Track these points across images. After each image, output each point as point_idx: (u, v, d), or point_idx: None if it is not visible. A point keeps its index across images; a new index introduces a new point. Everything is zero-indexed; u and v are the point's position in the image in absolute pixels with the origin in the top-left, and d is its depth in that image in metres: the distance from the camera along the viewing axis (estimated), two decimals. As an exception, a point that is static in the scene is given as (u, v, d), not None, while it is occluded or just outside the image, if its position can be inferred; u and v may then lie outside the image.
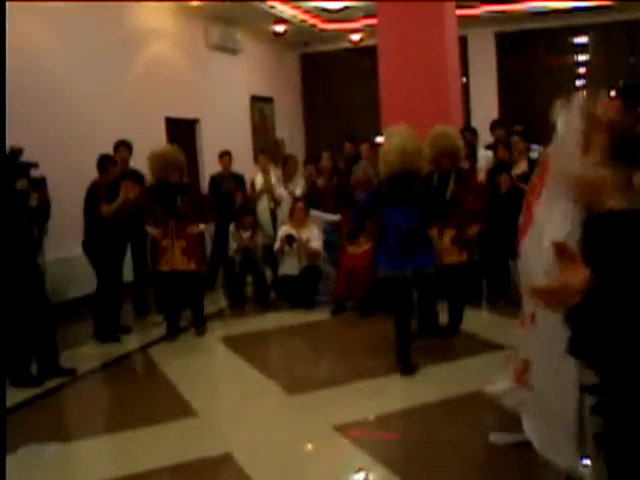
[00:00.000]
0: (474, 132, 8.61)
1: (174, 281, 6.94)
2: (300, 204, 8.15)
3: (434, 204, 5.83)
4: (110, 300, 6.97)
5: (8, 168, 6.11)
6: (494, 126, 8.84)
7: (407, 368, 5.51)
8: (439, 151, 6.21)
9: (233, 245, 8.23)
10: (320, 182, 8.81)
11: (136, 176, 7.66)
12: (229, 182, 9.17)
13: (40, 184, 6.83)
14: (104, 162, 7.06)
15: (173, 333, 7.02)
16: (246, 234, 8.22)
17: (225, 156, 9.41)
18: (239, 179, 9.36)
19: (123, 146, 7.74)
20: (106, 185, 6.96)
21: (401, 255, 5.53)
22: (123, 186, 6.88)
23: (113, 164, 7.09)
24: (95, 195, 6.93)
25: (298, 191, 8.77)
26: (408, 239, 5.52)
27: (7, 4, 7.75)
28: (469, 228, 6.24)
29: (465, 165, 6.81)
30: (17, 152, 6.62)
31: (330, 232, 8.21)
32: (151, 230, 6.97)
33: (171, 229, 6.89)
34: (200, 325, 7.17)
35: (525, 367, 3.62)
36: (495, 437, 4.18)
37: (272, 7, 11.37)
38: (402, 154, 5.49)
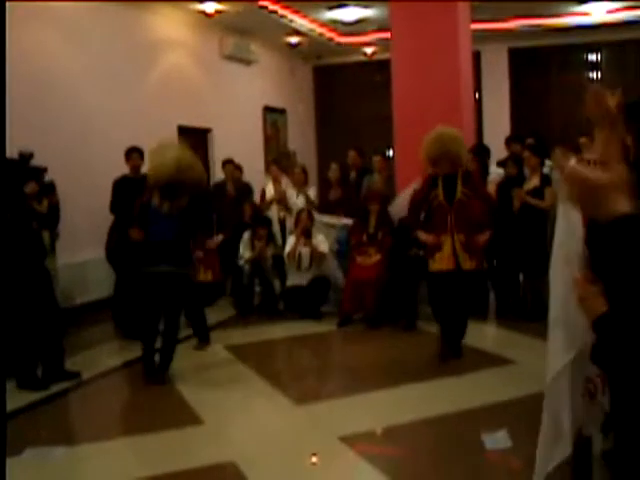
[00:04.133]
0: (487, 150, 8.47)
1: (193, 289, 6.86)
2: (304, 214, 8.14)
3: (199, 219, 6.04)
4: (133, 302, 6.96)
5: (18, 172, 6.15)
6: (508, 142, 8.82)
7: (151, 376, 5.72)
8: (437, 155, 5.96)
9: (245, 254, 8.23)
10: (331, 194, 8.85)
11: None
12: (232, 190, 9.21)
13: (50, 189, 6.87)
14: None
15: (205, 340, 7.00)
16: (259, 244, 8.23)
17: (228, 164, 9.49)
18: (247, 188, 9.41)
19: (135, 152, 7.73)
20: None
21: (159, 256, 5.74)
22: None
23: None
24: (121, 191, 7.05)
25: (312, 195, 8.82)
26: (166, 244, 5.73)
27: (22, 14, 7.83)
28: (478, 236, 6.00)
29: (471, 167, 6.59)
30: (27, 156, 6.66)
31: (343, 242, 8.20)
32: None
33: None
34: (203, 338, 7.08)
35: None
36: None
37: (291, 21, 11.43)
38: (179, 165, 5.56)
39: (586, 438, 3.41)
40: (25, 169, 6.43)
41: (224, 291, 8.92)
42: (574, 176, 1.44)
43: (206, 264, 6.88)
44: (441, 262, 6.01)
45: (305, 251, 7.98)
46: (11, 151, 6.41)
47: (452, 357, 6.15)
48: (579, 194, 1.46)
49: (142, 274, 5.93)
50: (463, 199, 5.99)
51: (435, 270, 6.08)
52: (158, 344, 5.98)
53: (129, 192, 7.16)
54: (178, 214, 5.79)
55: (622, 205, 1.38)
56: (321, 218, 8.33)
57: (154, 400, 5.54)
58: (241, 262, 8.28)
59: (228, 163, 9.52)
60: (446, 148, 5.94)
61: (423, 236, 6.11)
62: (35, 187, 6.19)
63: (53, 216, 6.78)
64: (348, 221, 8.13)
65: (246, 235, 8.33)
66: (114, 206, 7.43)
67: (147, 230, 5.83)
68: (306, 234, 8.00)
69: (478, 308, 7.68)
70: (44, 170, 6.76)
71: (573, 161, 1.46)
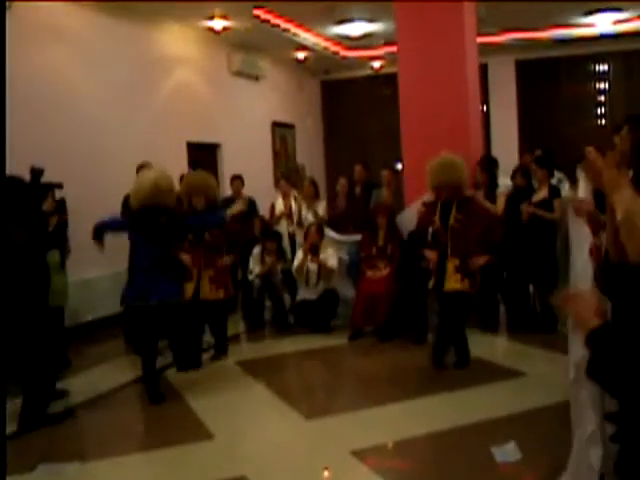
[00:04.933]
0: (495, 162, 8.49)
1: (200, 309, 6.84)
2: (313, 228, 8.16)
3: (181, 231, 6.13)
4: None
5: (31, 189, 6.09)
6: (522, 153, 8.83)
7: (153, 398, 5.77)
8: (437, 184, 6.28)
9: (255, 269, 8.25)
10: (338, 207, 8.89)
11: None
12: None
13: (61, 207, 6.85)
14: None
15: (196, 364, 6.87)
16: (269, 259, 8.24)
17: (236, 180, 9.50)
18: (251, 203, 9.43)
19: (145, 168, 7.75)
20: None
21: (144, 286, 5.76)
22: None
23: None
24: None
25: (321, 211, 8.83)
26: (149, 272, 5.77)
27: (33, 31, 7.92)
28: (473, 259, 6.16)
29: (469, 193, 6.76)
30: (38, 172, 6.58)
31: (354, 254, 8.19)
32: (184, 257, 6.76)
33: (199, 257, 6.81)
34: (220, 351, 7.13)
35: None
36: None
37: (295, 35, 11.49)
38: (154, 188, 5.76)
39: None
40: (39, 186, 6.37)
41: (235, 306, 8.91)
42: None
43: (217, 283, 6.86)
44: (435, 282, 6.38)
45: (313, 267, 7.98)
46: (20, 169, 6.45)
47: (456, 367, 6.30)
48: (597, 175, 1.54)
49: (131, 308, 6.03)
50: (456, 226, 6.22)
51: (432, 289, 6.48)
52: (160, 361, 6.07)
53: None
54: (159, 240, 5.84)
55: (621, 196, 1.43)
56: (331, 235, 8.32)
57: (165, 415, 5.55)
58: (251, 277, 8.30)
59: (236, 179, 9.54)
60: (448, 177, 6.23)
61: (428, 254, 6.43)
62: (52, 204, 6.16)
63: (60, 235, 6.73)
64: (357, 237, 8.14)
65: (256, 250, 8.34)
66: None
67: (131, 257, 5.97)
68: (313, 250, 8.00)
69: (489, 320, 7.68)
70: (58, 186, 6.71)
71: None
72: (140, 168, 7.75)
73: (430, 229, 6.45)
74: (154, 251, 5.81)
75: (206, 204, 6.82)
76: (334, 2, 9.89)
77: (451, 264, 6.16)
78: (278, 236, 8.64)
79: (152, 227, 5.84)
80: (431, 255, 6.33)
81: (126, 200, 7.58)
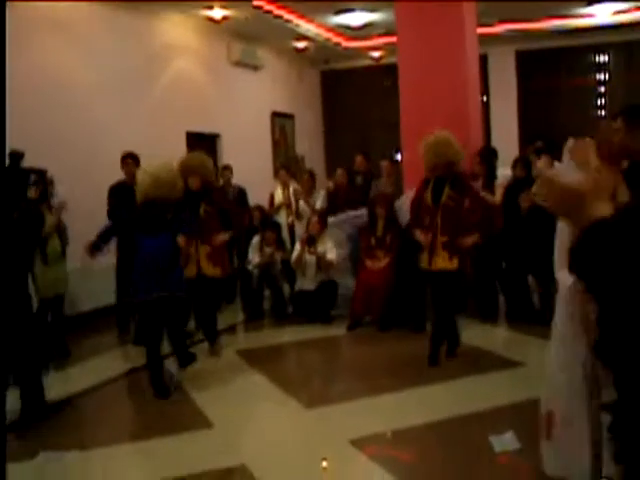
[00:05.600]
0: (494, 153, 8.50)
1: (202, 286, 6.74)
2: (316, 218, 8.16)
3: (184, 229, 5.98)
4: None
5: (11, 173, 5.86)
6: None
7: (161, 392, 5.69)
8: (433, 166, 6.20)
9: (254, 259, 8.24)
10: (332, 192, 8.91)
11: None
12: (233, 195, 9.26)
13: (43, 196, 6.69)
14: None
15: (214, 340, 6.94)
16: (269, 249, 8.25)
17: (226, 170, 9.54)
18: (241, 193, 9.46)
19: (129, 158, 7.57)
20: None
21: (150, 281, 5.70)
22: None
23: None
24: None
25: (318, 204, 8.81)
26: (156, 266, 5.69)
27: (33, 22, 7.90)
28: (462, 237, 6.11)
29: (460, 169, 6.63)
30: (18, 156, 6.31)
31: (356, 241, 8.19)
32: (178, 239, 6.65)
33: (195, 235, 6.66)
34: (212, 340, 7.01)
35: (550, 420, 3.50)
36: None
37: (297, 26, 11.45)
38: (156, 181, 5.74)
39: None
40: (20, 171, 6.16)
41: (235, 291, 8.90)
42: (551, 183, 1.44)
43: (214, 259, 6.82)
44: (424, 261, 6.27)
45: (310, 259, 7.98)
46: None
47: (447, 356, 6.26)
48: (556, 200, 1.45)
49: (135, 303, 6.02)
50: (448, 202, 6.15)
51: (422, 269, 6.32)
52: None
53: (125, 198, 6.87)
54: (163, 232, 5.79)
55: (601, 210, 1.37)
56: (331, 220, 8.30)
57: (164, 405, 5.56)
58: (250, 267, 8.30)
59: (226, 169, 9.59)
60: (442, 157, 6.16)
61: (418, 235, 6.29)
62: (37, 191, 6.05)
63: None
64: (357, 213, 8.15)
65: (255, 240, 8.35)
66: (111, 212, 7.37)
67: (135, 250, 5.89)
68: (310, 241, 7.99)
69: (488, 310, 7.70)
70: (40, 171, 6.49)
71: (545, 166, 1.48)
72: (124, 158, 7.59)
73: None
74: (158, 245, 5.76)
75: (202, 185, 6.79)
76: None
77: (439, 241, 6.13)
78: (277, 226, 8.64)
79: (156, 221, 5.80)
80: (422, 237, 6.24)
81: (111, 190, 7.54)
